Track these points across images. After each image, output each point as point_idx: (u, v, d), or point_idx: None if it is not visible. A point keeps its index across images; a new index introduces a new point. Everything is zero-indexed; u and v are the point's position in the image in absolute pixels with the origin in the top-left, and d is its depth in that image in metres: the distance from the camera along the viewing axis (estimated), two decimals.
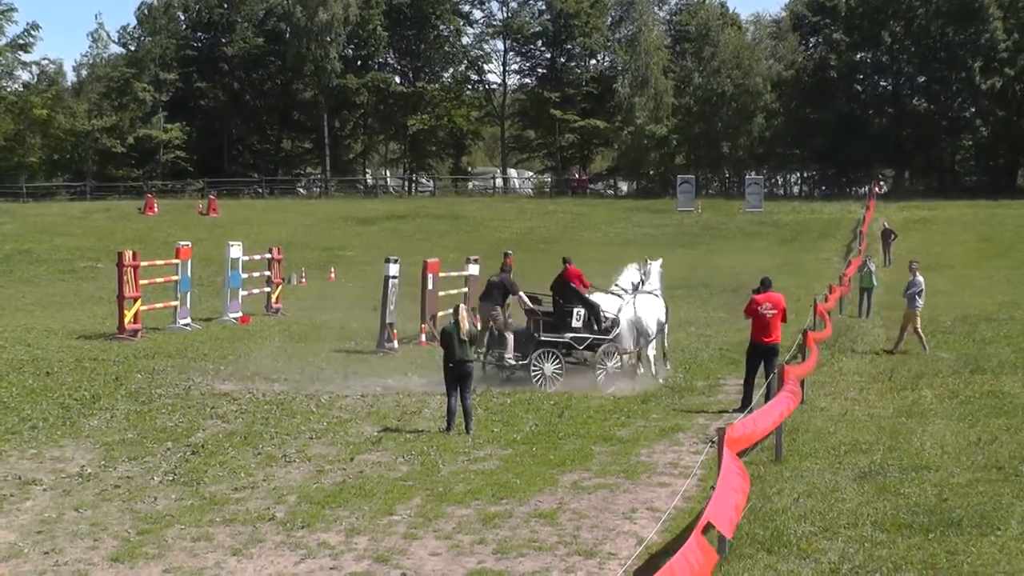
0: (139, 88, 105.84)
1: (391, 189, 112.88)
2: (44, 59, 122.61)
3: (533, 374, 25.59)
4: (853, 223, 71.61)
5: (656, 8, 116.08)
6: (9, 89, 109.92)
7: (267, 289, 41.19)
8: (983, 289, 46.43)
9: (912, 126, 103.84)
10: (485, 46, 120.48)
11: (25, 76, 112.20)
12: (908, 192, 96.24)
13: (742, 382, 22.92)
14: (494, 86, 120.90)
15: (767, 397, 19.85)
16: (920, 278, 32.08)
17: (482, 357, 26.23)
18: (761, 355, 22.50)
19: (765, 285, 22.94)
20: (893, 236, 58.96)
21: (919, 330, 31.41)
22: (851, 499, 15.40)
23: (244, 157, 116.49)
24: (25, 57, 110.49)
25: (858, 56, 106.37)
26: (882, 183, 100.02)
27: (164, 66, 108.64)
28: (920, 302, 31.62)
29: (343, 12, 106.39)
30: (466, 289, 36.73)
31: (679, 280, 50.41)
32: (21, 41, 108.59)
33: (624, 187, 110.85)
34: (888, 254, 57.89)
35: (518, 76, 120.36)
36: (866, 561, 12.83)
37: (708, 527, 11.61)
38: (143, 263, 34.14)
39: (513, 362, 26.27)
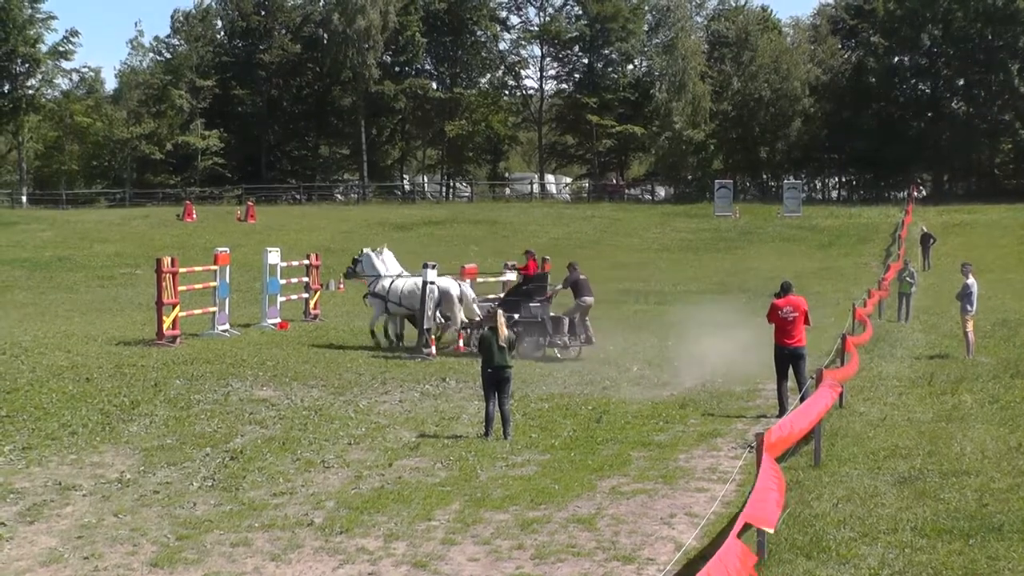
0: (176, 95, 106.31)
1: (428, 195, 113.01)
2: (84, 67, 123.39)
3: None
4: (892, 227, 71.41)
5: (694, 14, 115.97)
6: (49, 97, 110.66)
7: (305, 295, 41.25)
8: (1023, 293, 46.20)
9: (951, 129, 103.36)
10: (522, 51, 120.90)
11: (65, 84, 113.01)
12: (947, 196, 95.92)
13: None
14: (531, 91, 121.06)
15: (802, 402, 19.75)
16: (971, 280, 31.75)
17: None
18: (788, 359, 22.39)
19: (785, 289, 22.84)
20: (932, 240, 58.78)
21: (968, 333, 31.19)
22: (890, 504, 15.33)
23: (282, 163, 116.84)
24: (65, 65, 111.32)
25: (896, 59, 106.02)
26: (921, 187, 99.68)
27: (201, 73, 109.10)
28: (970, 306, 31.31)
29: (381, 19, 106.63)
30: (504, 295, 36.75)
31: (717, 285, 50.42)
32: (61, 49, 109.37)
33: (662, 192, 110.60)
34: (927, 258, 57.71)
35: (555, 81, 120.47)
36: (906, 567, 12.77)
37: (745, 529, 11.58)
38: (182, 269, 34.23)
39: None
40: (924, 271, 53.79)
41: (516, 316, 31.09)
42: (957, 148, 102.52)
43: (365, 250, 35.42)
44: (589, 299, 32.14)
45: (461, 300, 32.44)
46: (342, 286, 51.82)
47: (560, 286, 33.22)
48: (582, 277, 32.54)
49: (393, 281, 33.62)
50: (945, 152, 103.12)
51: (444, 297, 32.28)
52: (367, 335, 34.38)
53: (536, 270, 34.48)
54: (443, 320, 32.76)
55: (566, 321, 31.54)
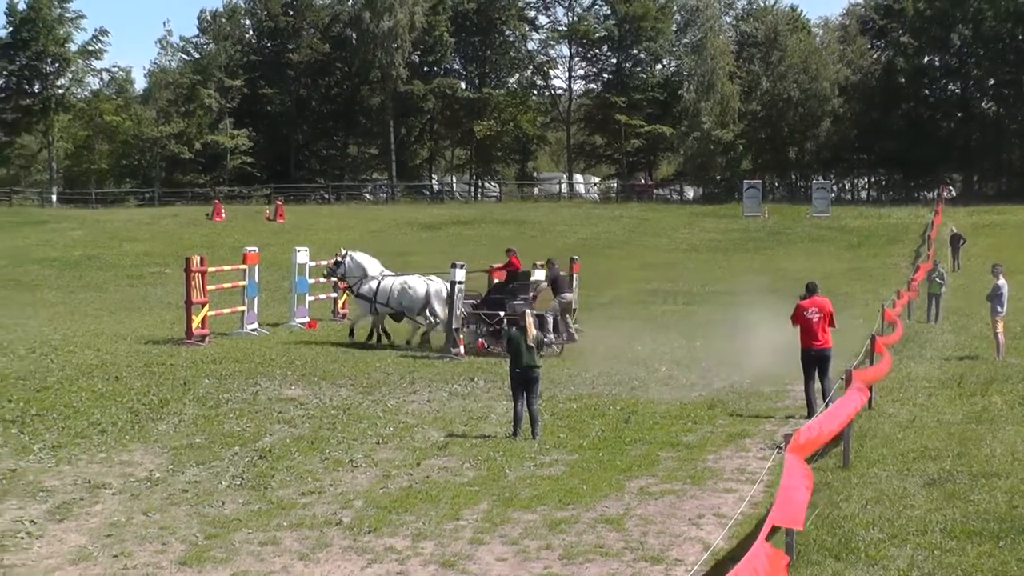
0: (205, 95, 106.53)
1: (457, 195, 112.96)
2: (114, 66, 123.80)
3: None
4: (921, 228, 71.12)
5: (723, 14, 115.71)
6: (79, 96, 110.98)
7: (334, 295, 41.26)
8: None
9: (981, 130, 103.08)
10: (551, 51, 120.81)
11: (94, 83, 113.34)
12: (977, 196, 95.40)
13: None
14: (560, 91, 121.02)
15: (827, 405, 19.69)
16: (1002, 281, 31.60)
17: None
18: (814, 361, 22.31)
19: (810, 290, 22.75)
20: (962, 241, 58.47)
21: (998, 335, 31.05)
22: (920, 506, 15.29)
23: (310, 163, 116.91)
24: (94, 64, 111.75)
25: (926, 60, 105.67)
26: (950, 187, 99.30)
27: (230, 73, 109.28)
28: (1000, 307, 31.18)
29: (409, 19, 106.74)
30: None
31: (745, 285, 50.20)
32: (90, 48, 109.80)
33: (690, 192, 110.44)
34: (957, 259, 57.43)
35: (584, 81, 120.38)
36: (935, 568, 12.73)
37: (773, 532, 11.55)
38: (211, 268, 34.32)
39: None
40: (953, 272, 53.50)
41: (502, 314, 31.49)
42: (987, 148, 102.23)
43: (348, 252, 35.62)
44: (568, 296, 33.65)
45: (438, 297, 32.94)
46: None
47: (544, 284, 33.68)
48: (562, 274, 33.95)
49: (380, 282, 33.89)
50: (975, 152, 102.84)
51: (435, 296, 32.73)
52: (396, 334, 34.42)
53: (519, 268, 34.75)
54: (433, 319, 33.15)
55: (551, 319, 32.11)
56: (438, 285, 33.19)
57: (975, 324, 37.67)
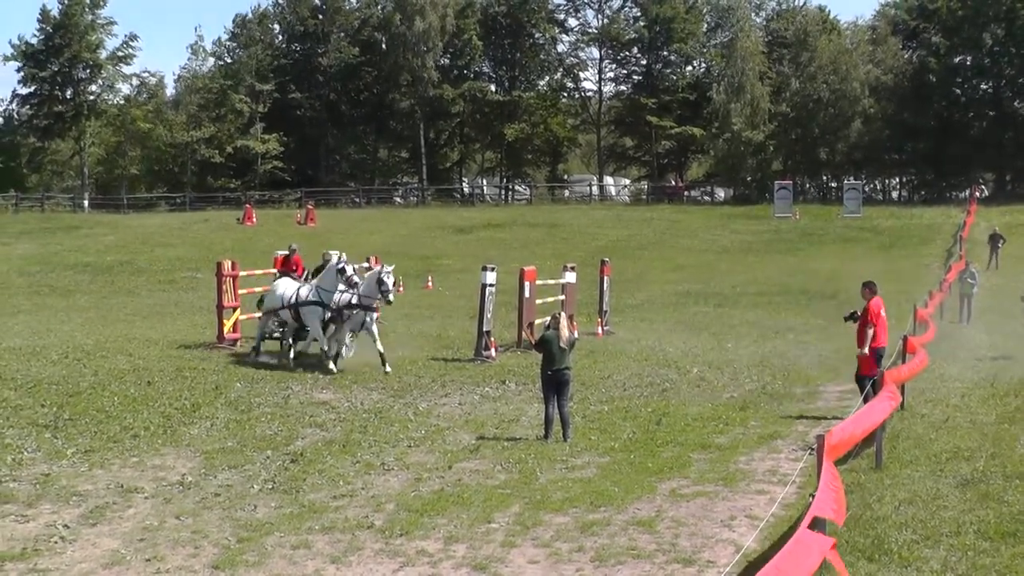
0: (236, 99, 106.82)
1: (487, 197, 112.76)
2: (144, 71, 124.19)
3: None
4: (953, 228, 70.82)
5: (753, 14, 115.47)
6: (111, 102, 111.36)
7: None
8: None
9: (1013, 129, 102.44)
10: (581, 54, 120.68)
11: (125, 89, 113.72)
12: (1010, 196, 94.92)
13: (842, 389, 22.73)
14: (590, 93, 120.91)
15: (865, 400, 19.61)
16: None
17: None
18: (879, 360, 22.22)
19: (874, 291, 22.62)
20: (1002, 240, 58.25)
21: None
22: (953, 507, 15.21)
23: (341, 167, 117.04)
24: (125, 70, 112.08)
25: (957, 59, 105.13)
26: (982, 187, 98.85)
27: (260, 77, 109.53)
28: None
29: (439, 22, 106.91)
30: (563, 297, 36.67)
31: (777, 286, 50.14)
32: (120, 54, 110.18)
33: (721, 194, 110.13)
34: (996, 258, 57.22)
35: (614, 83, 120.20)
36: (969, 570, 12.66)
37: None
38: (242, 273, 34.33)
39: None
40: (989, 271, 53.34)
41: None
42: (1020, 148, 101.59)
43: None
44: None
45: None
46: (401, 289, 51.74)
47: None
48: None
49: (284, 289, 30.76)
50: (1007, 152, 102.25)
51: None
52: (426, 337, 34.38)
53: (285, 266, 34.05)
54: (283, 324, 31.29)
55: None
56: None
57: (1008, 324, 37.51)
